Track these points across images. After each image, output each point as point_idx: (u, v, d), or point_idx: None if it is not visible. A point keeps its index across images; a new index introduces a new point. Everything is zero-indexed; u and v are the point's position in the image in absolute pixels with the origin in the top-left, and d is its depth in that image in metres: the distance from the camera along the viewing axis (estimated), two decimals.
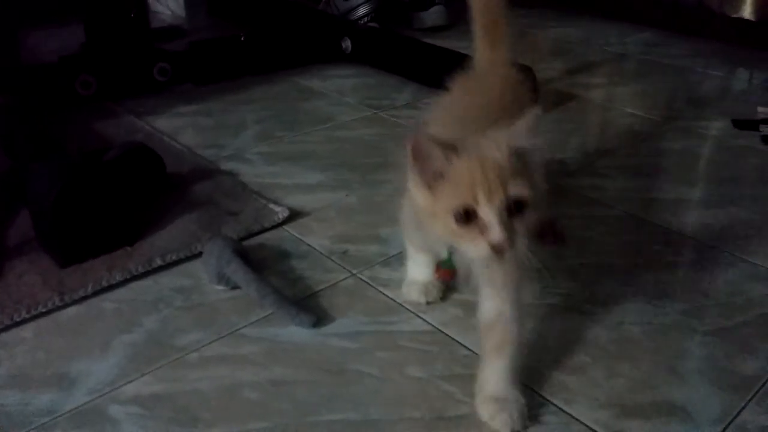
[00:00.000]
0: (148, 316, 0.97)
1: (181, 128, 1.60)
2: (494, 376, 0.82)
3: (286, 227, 1.21)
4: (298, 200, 1.29)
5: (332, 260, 1.12)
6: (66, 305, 0.97)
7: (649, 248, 1.19)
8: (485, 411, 0.81)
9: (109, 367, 0.87)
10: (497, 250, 0.68)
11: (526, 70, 1.13)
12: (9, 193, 1.17)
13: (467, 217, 0.69)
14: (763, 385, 0.88)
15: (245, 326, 0.95)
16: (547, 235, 0.78)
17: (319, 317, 0.96)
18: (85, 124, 1.57)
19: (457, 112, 0.92)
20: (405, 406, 0.83)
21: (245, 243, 1.13)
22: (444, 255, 0.83)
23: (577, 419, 0.82)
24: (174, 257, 1.08)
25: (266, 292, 0.97)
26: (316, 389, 0.84)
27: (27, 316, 0.94)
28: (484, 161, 0.69)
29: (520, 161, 0.70)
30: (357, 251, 1.14)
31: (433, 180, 0.71)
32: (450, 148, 0.70)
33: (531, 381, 0.87)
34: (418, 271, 1.00)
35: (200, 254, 1.07)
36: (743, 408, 0.84)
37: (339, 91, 1.86)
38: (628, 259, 1.15)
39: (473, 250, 0.70)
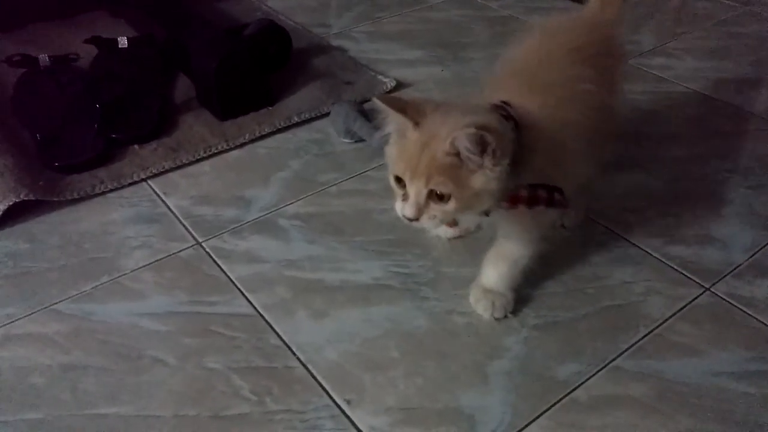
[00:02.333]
0: (293, 159, 1.23)
1: (291, 8, 1.80)
2: (490, 273, 0.92)
3: (394, 95, 1.43)
4: (401, 73, 1.50)
5: None
6: (230, 149, 1.25)
7: (711, 121, 1.36)
8: (473, 296, 0.93)
9: (272, 193, 1.15)
10: (407, 220, 0.76)
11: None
12: (168, 59, 1.42)
13: (400, 180, 0.76)
14: None
15: (369, 170, 1.21)
16: (542, 201, 0.80)
17: None
18: (210, 4, 1.79)
19: (518, 68, 0.88)
20: (184, 402, 0.81)
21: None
22: None
23: (634, 244, 1.05)
24: (306, 116, 1.33)
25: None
26: None
27: (204, 155, 1.22)
28: (426, 145, 0.72)
29: (462, 156, 0.71)
30: None
31: (399, 133, 0.76)
32: (417, 114, 0.73)
33: (598, 216, 1.10)
34: None
35: (327, 114, 1.32)
36: None
37: None
38: (691, 129, 1.34)
39: (396, 206, 0.77)
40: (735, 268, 1.00)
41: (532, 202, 0.80)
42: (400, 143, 0.76)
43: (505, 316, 0.92)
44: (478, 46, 1.63)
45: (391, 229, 1.07)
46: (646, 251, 1.04)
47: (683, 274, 0.99)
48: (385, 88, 1.43)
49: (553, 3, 1.82)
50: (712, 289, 0.97)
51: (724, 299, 0.95)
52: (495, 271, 0.92)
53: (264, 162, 1.23)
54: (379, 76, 1.46)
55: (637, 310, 0.94)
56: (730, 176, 1.20)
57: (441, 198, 0.73)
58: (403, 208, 0.76)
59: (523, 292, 0.95)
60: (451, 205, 0.73)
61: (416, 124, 0.73)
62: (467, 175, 0.72)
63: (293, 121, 1.31)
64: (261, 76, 1.33)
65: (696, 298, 0.96)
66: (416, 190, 0.73)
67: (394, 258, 1.02)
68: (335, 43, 1.63)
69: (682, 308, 0.94)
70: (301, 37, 1.61)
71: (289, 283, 0.97)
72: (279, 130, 1.30)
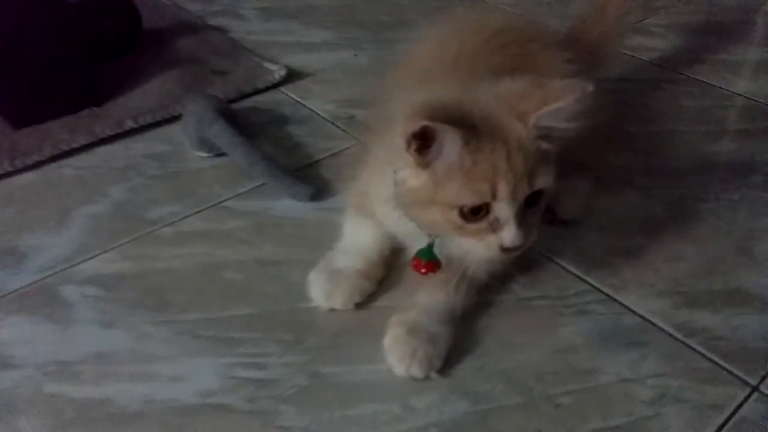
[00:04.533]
0: (116, 185, 0.82)
1: None
2: (429, 291, 0.65)
3: (283, 89, 1.03)
4: (298, 59, 1.10)
5: (337, 126, 0.95)
6: (19, 171, 0.83)
7: (714, 115, 1.00)
8: (390, 336, 0.61)
9: (65, 241, 0.73)
10: (508, 252, 0.56)
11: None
12: None
13: (476, 210, 0.55)
14: None
15: (230, 198, 0.80)
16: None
17: (318, 189, 0.80)
18: None
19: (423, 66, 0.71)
20: None
21: (236, 105, 0.96)
22: (421, 242, 0.64)
23: (629, 308, 0.67)
24: (149, 119, 0.92)
25: (256, 159, 0.81)
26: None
27: None
28: (510, 145, 0.54)
29: (548, 141, 0.56)
30: (366, 117, 0.96)
31: (438, 163, 0.55)
32: (470, 130, 0.53)
33: (575, 265, 0.71)
34: (351, 254, 0.69)
35: (180, 117, 0.91)
36: None
37: None
38: (691, 126, 0.97)
39: (478, 248, 0.57)
40: None
41: None
42: (459, 166, 0.54)
43: (427, 376, 0.59)
44: (406, 25, 1.24)
45: (253, 298, 0.66)
46: (651, 321, 0.66)
47: (714, 361, 0.62)
48: (271, 79, 1.03)
49: None
50: (761, 388, 0.59)
51: None
52: (438, 287, 0.64)
53: (68, 190, 0.81)
54: (266, 63, 1.06)
55: None
56: (752, 192, 0.84)
57: (536, 199, 0.57)
58: (503, 238, 0.55)
59: (460, 407, 0.56)
60: (542, 203, 0.58)
61: (471, 128, 0.53)
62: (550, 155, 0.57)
63: (126, 127, 0.90)
64: (85, 62, 0.91)
65: (741, 405, 0.58)
66: (517, 202, 0.55)
67: (244, 350, 0.61)
68: (215, 22, 1.22)
69: (721, 426, 0.56)
70: (165, 13, 1.20)
71: (48, 410, 0.56)
72: (103, 141, 0.88)
